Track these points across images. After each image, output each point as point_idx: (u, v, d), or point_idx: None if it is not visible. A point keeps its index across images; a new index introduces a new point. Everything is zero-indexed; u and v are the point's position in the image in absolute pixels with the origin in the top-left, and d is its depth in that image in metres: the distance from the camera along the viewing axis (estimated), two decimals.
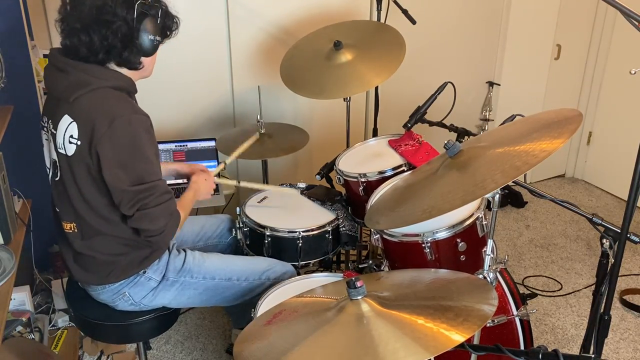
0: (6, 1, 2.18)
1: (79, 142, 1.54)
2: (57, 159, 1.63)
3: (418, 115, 2.27)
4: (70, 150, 1.56)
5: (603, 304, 1.55)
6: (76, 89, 1.53)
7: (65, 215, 1.68)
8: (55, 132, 1.60)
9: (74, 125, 1.54)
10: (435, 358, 1.08)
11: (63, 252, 1.77)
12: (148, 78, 1.72)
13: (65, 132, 1.56)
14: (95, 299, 1.80)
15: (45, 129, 1.67)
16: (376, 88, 2.77)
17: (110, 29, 1.51)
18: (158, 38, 1.58)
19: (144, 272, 1.75)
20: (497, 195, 1.39)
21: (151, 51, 1.59)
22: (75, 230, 1.67)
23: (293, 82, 2.44)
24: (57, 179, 1.66)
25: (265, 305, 1.66)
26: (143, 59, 1.61)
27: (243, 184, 2.13)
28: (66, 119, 1.55)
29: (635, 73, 1.35)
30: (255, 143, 2.48)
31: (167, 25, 1.63)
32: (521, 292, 1.89)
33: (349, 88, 2.36)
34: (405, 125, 2.28)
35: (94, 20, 1.50)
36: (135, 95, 1.69)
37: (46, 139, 1.68)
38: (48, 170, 1.71)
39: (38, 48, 2.46)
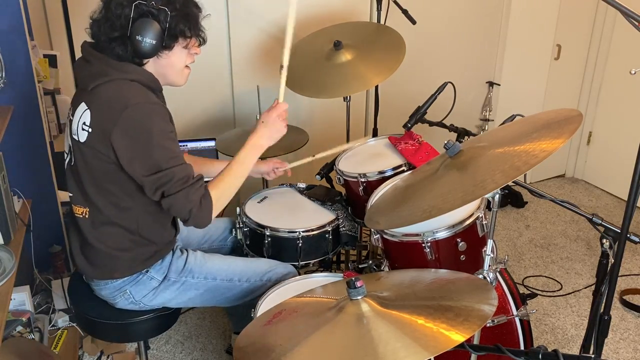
0: (6, 1, 2.18)
1: (90, 130, 1.57)
2: (71, 145, 1.67)
3: (418, 115, 2.27)
4: (83, 136, 1.59)
5: (603, 304, 1.55)
6: (95, 79, 1.57)
7: (77, 199, 1.70)
8: (72, 118, 1.64)
9: (88, 112, 1.58)
10: (435, 358, 1.08)
11: (71, 242, 1.78)
12: None
13: (80, 118, 1.60)
14: (96, 294, 1.80)
15: (69, 116, 1.70)
16: (376, 88, 2.77)
17: (104, 22, 1.56)
18: (151, 41, 1.56)
19: (147, 271, 1.76)
20: (497, 195, 1.39)
21: (145, 52, 1.58)
22: (87, 216, 1.69)
23: (293, 82, 2.43)
24: (73, 164, 1.68)
25: (265, 305, 1.66)
26: (144, 59, 1.61)
27: (318, 155, 2.06)
28: (82, 107, 1.60)
29: (635, 73, 1.35)
30: None
31: (179, 31, 1.61)
32: (521, 292, 1.89)
33: (349, 87, 2.36)
34: (405, 125, 2.28)
35: (100, 15, 1.58)
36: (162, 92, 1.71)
37: (68, 126, 1.71)
38: (65, 155, 1.74)
39: (38, 48, 2.46)
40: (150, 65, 1.63)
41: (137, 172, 1.55)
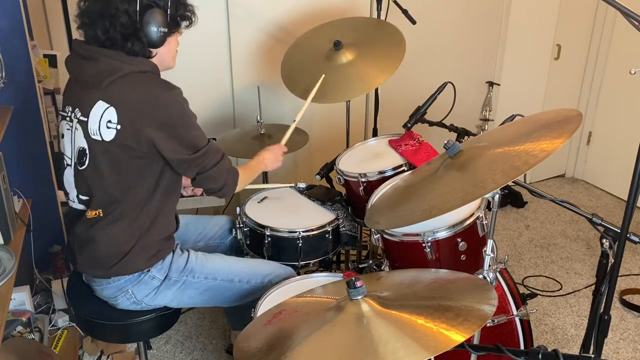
0: (6, 1, 2.18)
1: (118, 127, 1.57)
2: (86, 146, 1.64)
3: (418, 115, 2.27)
4: (109, 135, 1.58)
5: (603, 304, 1.55)
6: (108, 75, 1.57)
7: (93, 202, 1.68)
8: (86, 119, 1.61)
9: (112, 110, 1.57)
10: (435, 358, 1.08)
11: (73, 243, 1.76)
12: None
13: (102, 117, 1.58)
14: (97, 294, 1.80)
15: (68, 118, 1.68)
16: (376, 88, 2.77)
17: (111, 22, 1.54)
18: (164, 29, 1.59)
19: (148, 271, 1.75)
20: (497, 195, 1.39)
21: (158, 42, 1.60)
22: (101, 215, 1.68)
23: (293, 85, 2.44)
24: (86, 167, 1.66)
25: (265, 305, 1.66)
26: (153, 49, 1.63)
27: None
28: (101, 105, 1.58)
29: (635, 73, 1.35)
30: (255, 140, 2.48)
31: (179, 15, 1.65)
32: (521, 292, 1.89)
33: (351, 91, 2.36)
34: (405, 125, 2.28)
35: (99, 15, 1.55)
36: None
37: (68, 129, 1.69)
38: (70, 160, 1.71)
39: (38, 48, 2.46)
40: (156, 55, 1.65)
41: (179, 154, 1.62)
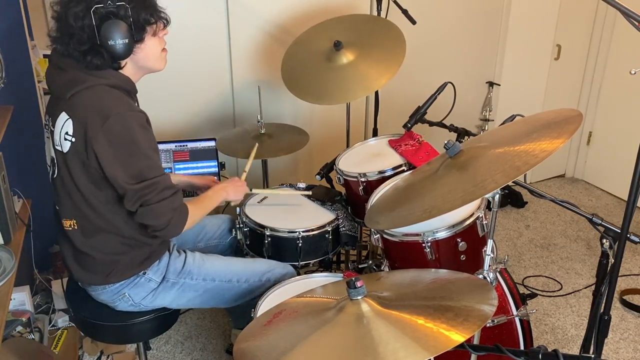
0: (6, 1, 2.18)
1: (73, 139, 1.55)
2: (54, 156, 1.64)
3: (418, 115, 2.27)
4: (65, 146, 1.57)
5: (603, 304, 1.55)
6: (72, 86, 1.54)
7: (65, 212, 1.68)
8: (53, 129, 1.61)
9: (70, 122, 1.55)
10: (435, 358, 1.08)
11: (63, 252, 1.77)
12: (147, 79, 1.71)
13: (62, 129, 1.57)
14: (95, 299, 1.80)
15: (46, 127, 1.68)
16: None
17: (69, 40, 1.52)
18: (124, 40, 1.53)
19: (144, 273, 1.75)
20: (497, 195, 1.39)
21: (123, 53, 1.55)
22: (76, 227, 1.67)
23: (293, 86, 2.43)
24: (56, 176, 1.67)
25: (265, 305, 1.67)
26: (125, 60, 1.59)
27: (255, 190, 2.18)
28: (63, 116, 1.57)
29: (635, 73, 1.35)
30: (256, 140, 2.48)
31: (143, 20, 1.57)
32: (521, 292, 1.89)
33: (351, 93, 2.35)
34: (405, 125, 2.28)
35: (60, 32, 1.54)
36: (137, 95, 1.69)
37: (47, 137, 1.69)
38: (49, 168, 1.72)
39: (38, 48, 2.46)
40: (128, 64, 1.61)
41: (120, 180, 1.53)
